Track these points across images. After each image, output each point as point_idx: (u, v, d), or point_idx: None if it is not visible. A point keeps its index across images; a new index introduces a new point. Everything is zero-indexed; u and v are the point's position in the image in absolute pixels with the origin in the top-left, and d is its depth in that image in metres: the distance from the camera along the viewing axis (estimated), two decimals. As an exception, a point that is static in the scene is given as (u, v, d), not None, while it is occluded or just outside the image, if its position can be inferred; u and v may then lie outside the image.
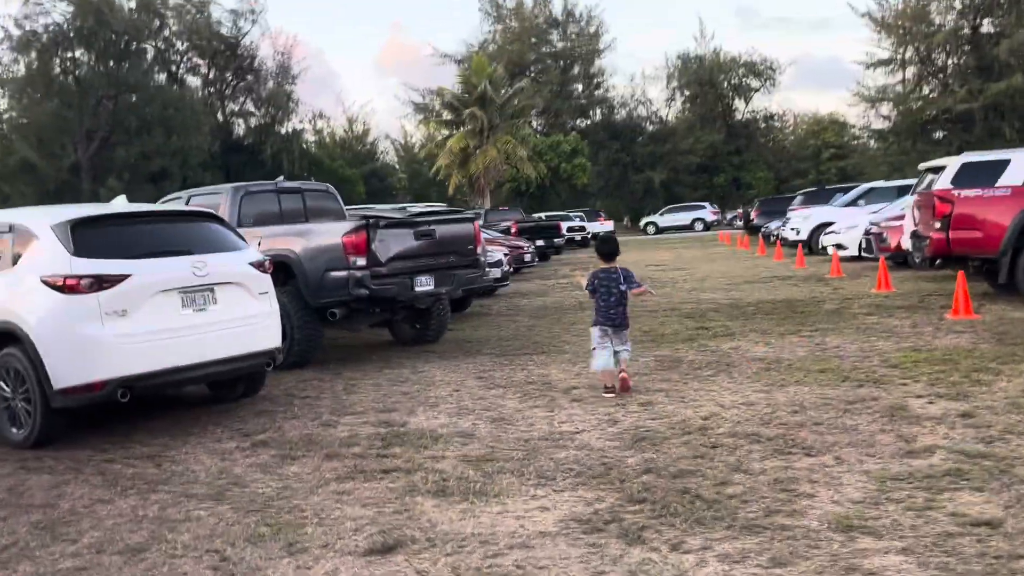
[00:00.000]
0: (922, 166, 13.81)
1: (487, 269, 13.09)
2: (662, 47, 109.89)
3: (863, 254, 16.80)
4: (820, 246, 19.61)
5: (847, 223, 18.94)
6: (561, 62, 64.30)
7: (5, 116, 48.37)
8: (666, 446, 5.00)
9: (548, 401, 6.47)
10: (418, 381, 7.65)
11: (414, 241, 8.79)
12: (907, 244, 13.84)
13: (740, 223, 35.12)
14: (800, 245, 19.31)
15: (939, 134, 52.43)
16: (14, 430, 5.98)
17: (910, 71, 54.33)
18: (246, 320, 6.51)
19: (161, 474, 5.13)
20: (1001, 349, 7.12)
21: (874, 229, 16.16)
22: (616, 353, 6.47)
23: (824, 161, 60.53)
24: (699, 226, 48.73)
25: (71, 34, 46.45)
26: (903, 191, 20.52)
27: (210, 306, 6.29)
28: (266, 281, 6.79)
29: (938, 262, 10.28)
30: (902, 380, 6.26)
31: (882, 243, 15.63)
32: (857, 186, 25.17)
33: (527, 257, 22.23)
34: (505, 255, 19.44)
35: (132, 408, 6.34)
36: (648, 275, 18.28)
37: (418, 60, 76.66)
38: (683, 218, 49.87)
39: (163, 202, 10.29)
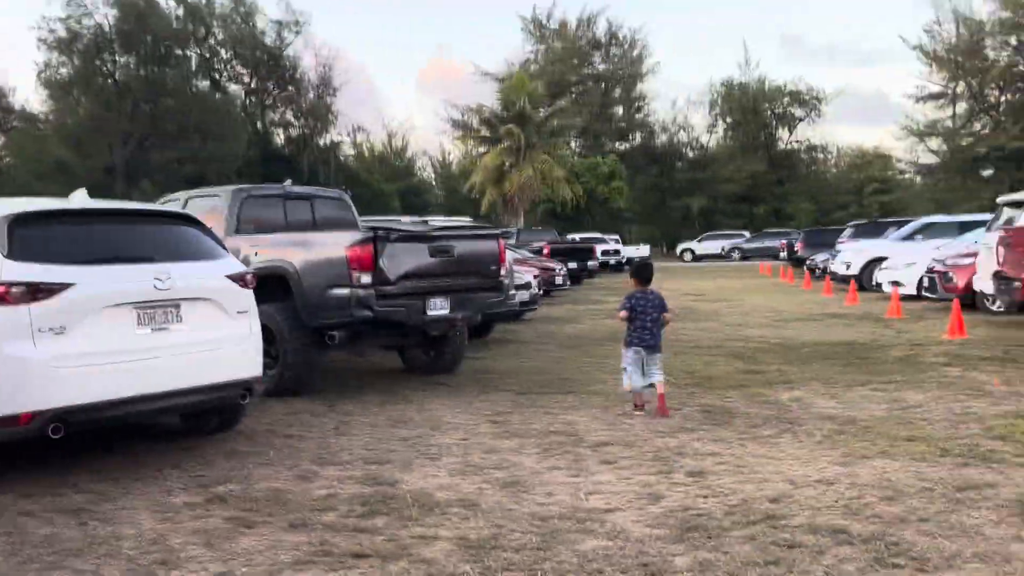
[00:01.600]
0: (1001, 199, 12.53)
1: (514, 291, 12.01)
2: (706, 74, 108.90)
3: (924, 293, 15.40)
4: (874, 282, 18.21)
5: (905, 259, 17.53)
6: (602, 84, 63.47)
7: (43, 117, 48.60)
8: (726, 540, 3.82)
9: (573, 460, 5.31)
10: (422, 423, 6.53)
11: (429, 258, 7.70)
12: (982, 286, 12.50)
13: (784, 254, 33.60)
14: (852, 281, 17.93)
15: (989, 171, 50.68)
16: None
17: (961, 106, 52.83)
18: (218, 343, 5.47)
19: (80, 539, 4.05)
20: None
21: (938, 267, 14.77)
22: (651, 377, 6.61)
23: (867, 196, 58.83)
24: (736, 255, 47.22)
25: (113, 37, 46.59)
26: (966, 227, 19.12)
27: (173, 325, 5.26)
28: (246, 298, 5.75)
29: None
30: (1017, 458, 5.01)
31: (948, 283, 14.24)
32: (911, 220, 23.75)
33: (559, 280, 21.13)
34: (535, 277, 18.36)
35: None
36: (687, 305, 17.05)
37: (460, 80, 76.36)
38: (717, 246, 48.26)
39: (161, 203, 9.34)
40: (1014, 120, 47.81)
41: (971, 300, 14.03)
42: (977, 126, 52.52)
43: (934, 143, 53.15)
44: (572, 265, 26.15)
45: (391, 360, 9.70)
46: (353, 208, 9.66)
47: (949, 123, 52.71)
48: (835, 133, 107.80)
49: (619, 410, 6.80)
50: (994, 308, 13.44)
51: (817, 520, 4.04)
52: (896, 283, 17.23)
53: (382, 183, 59.28)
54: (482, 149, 40.93)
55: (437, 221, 10.11)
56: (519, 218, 38.38)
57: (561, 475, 4.99)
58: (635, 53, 63.12)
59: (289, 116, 60.15)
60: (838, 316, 14.23)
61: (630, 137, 64.47)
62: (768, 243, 46.45)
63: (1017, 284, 8.71)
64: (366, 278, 7.17)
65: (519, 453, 5.53)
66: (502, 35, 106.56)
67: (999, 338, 10.56)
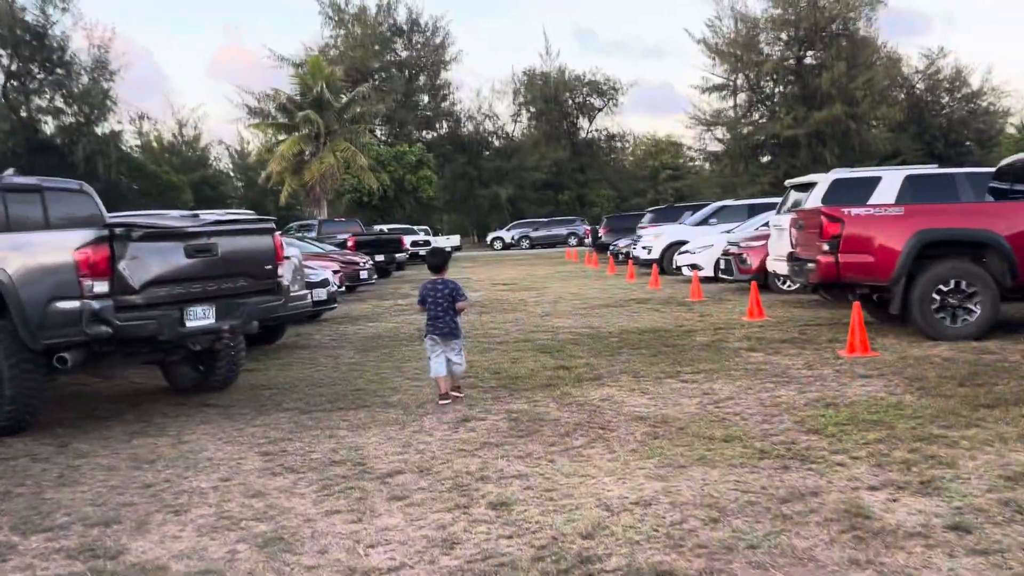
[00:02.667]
0: (789, 183, 12.91)
1: (306, 291, 10.88)
2: (508, 62, 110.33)
3: (721, 276, 15.83)
4: (675, 266, 18.62)
5: (702, 243, 18.05)
6: (406, 71, 62.32)
7: None
8: (532, 601, 3.09)
9: (357, 499, 4.42)
10: (175, 461, 5.37)
11: (186, 259, 6.48)
12: (775, 266, 12.85)
13: (588, 240, 34.30)
14: (655, 265, 18.24)
15: (767, 158, 54.78)
16: None
17: (741, 97, 56.61)
18: None
19: None
20: (933, 403, 5.76)
21: (733, 249, 15.19)
22: (449, 362, 6.69)
23: (662, 182, 61.97)
24: (573, 240, 47.52)
25: None
26: (755, 210, 20.00)
27: None
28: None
29: (824, 289, 9.08)
30: (835, 456, 4.69)
31: (743, 264, 14.66)
32: (706, 204, 24.75)
33: (363, 274, 20.02)
34: (335, 273, 17.19)
35: None
36: (495, 296, 16.56)
37: (255, 66, 72.57)
38: (559, 234, 48.24)
39: None
40: (787, 110, 51.73)
41: (764, 280, 14.52)
42: (756, 116, 56.42)
43: (719, 131, 56.59)
44: (379, 258, 25.12)
45: (154, 377, 8.31)
46: (99, 202, 8.11)
47: (732, 113, 56.28)
48: (628, 123, 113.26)
49: (415, 426, 5.98)
50: (785, 288, 13.93)
51: (638, 558, 3.42)
52: (695, 266, 17.69)
53: (172, 175, 54.98)
54: (280, 137, 38.62)
55: (213, 215, 8.80)
56: (322, 209, 36.56)
57: (340, 522, 4.08)
58: (438, 40, 62.50)
59: (59, 102, 54.11)
60: (642, 301, 14.24)
61: (437, 126, 63.82)
62: (555, 231, 47.70)
63: (811, 265, 8.77)
64: (101, 286, 5.87)
65: (291, 494, 4.56)
66: (299, 19, 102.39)
67: (792, 318, 10.79)
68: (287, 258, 10.10)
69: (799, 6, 51.03)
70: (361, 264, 20.11)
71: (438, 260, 6.94)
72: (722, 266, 15.59)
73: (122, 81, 53.64)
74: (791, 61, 52.82)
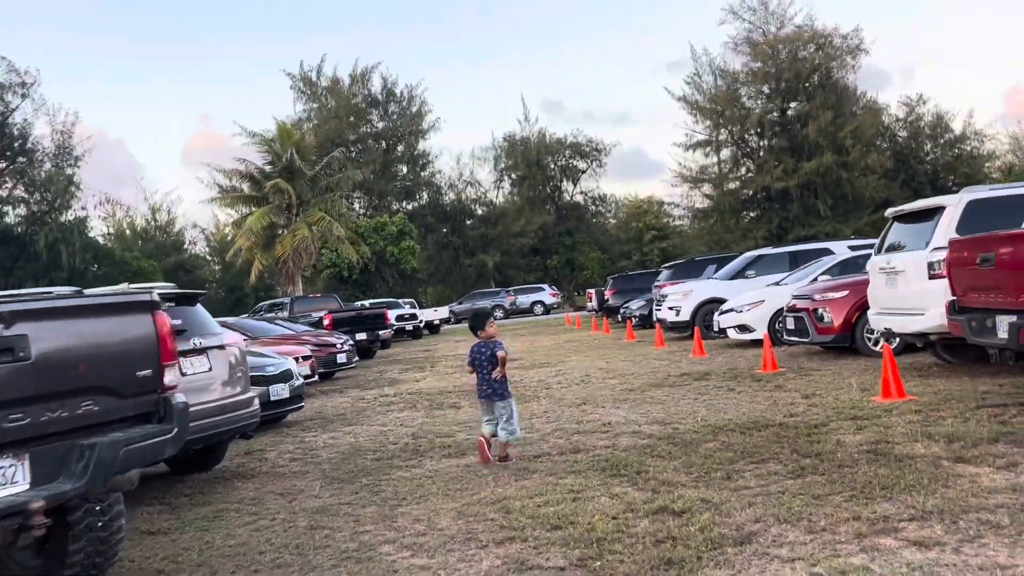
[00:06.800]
0: (890, 212, 9.90)
1: (249, 394, 7.62)
2: (487, 129, 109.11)
3: (786, 337, 12.69)
4: (716, 328, 15.49)
5: (746, 299, 14.98)
6: (383, 142, 60.06)
7: None
8: None
9: None
10: None
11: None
12: (880, 322, 9.74)
13: (592, 304, 31.27)
14: (696, 329, 15.08)
15: (756, 212, 52.62)
16: None
17: (726, 152, 54.75)
18: None
19: None
20: None
21: (802, 304, 12.09)
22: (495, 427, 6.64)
23: (647, 243, 59.73)
24: (539, 309, 44.97)
25: None
26: (799, 258, 17.14)
27: None
28: None
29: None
30: None
31: (822, 323, 11.54)
32: (730, 255, 21.82)
33: (341, 357, 16.75)
34: (306, 358, 13.94)
35: None
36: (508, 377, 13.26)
37: (228, 148, 70.26)
38: (522, 301, 46.10)
39: None
40: (776, 162, 49.75)
41: (851, 342, 11.42)
42: (743, 170, 54.54)
43: (706, 188, 54.54)
44: (360, 336, 21.84)
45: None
46: None
47: (717, 169, 54.34)
48: (604, 188, 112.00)
49: None
50: (878, 350, 10.81)
51: None
52: (743, 327, 14.61)
53: (141, 260, 51.97)
54: (248, 210, 35.60)
55: (100, 292, 5.71)
56: (296, 286, 33.31)
57: None
58: (414, 109, 60.39)
59: (21, 191, 51.17)
60: (700, 377, 11.03)
61: (417, 196, 61.34)
62: (532, 297, 45.30)
63: (1012, 320, 5.66)
64: None
65: None
66: (272, 97, 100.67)
67: (950, 394, 7.60)
68: (217, 348, 6.91)
69: (779, 58, 49.75)
70: (338, 345, 16.85)
71: (473, 322, 6.96)
72: (789, 325, 12.45)
73: (87, 167, 51.13)
74: (775, 113, 51.17)
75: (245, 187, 35.49)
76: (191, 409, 6.63)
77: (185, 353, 6.73)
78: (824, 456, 5.75)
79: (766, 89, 51.97)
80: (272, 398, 9.78)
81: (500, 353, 6.78)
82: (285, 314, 24.51)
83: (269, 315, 24.46)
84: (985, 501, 4.36)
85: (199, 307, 7.47)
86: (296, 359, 13.04)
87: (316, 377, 14.07)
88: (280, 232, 32.85)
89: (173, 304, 7.12)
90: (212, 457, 7.78)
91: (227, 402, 7.04)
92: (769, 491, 5.02)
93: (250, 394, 7.49)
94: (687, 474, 5.66)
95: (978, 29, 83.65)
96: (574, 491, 5.51)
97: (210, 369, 7.02)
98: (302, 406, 10.64)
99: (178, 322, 6.89)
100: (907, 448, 5.72)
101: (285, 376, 10.17)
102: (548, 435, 7.77)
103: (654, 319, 19.49)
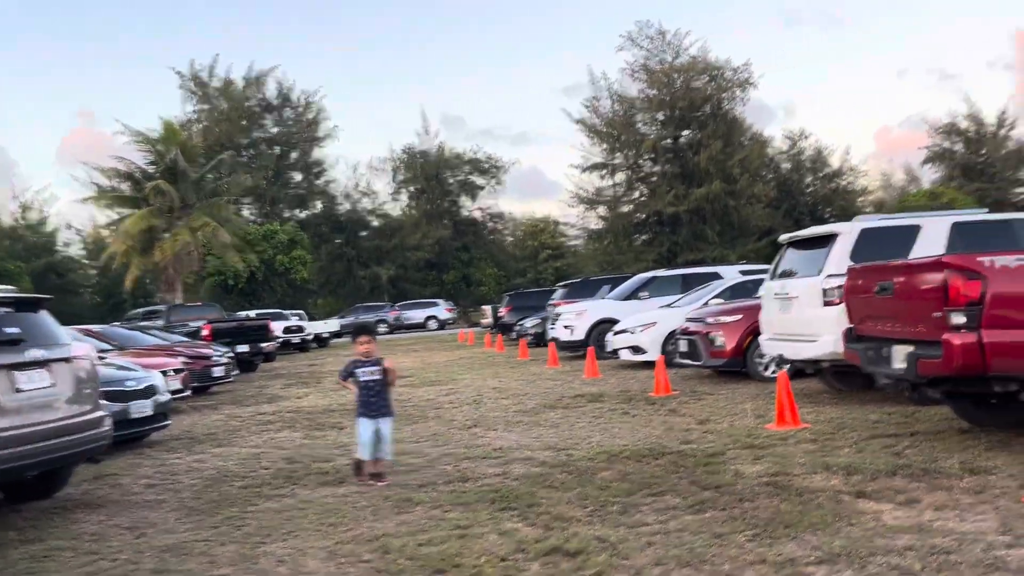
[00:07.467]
0: (784, 238, 9.94)
1: (101, 412, 6.80)
2: (385, 140, 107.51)
3: (679, 360, 12.62)
4: (609, 349, 15.36)
5: (639, 320, 14.92)
6: (277, 148, 58.15)
7: None
8: None
9: None
10: None
11: None
12: (772, 348, 9.73)
13: (487, 321, 30.95)
14: (591, 350, 14.87)
15: (648, 235, 53.82)
16: None
17: (620, 176, 55.84)
18: None
19: None
20: None
21: (695, 327, 12.06)
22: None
23: (542, 261, 60.15)
24: (433, 324, 44.35)
25: None
26: (691, 280, 17.29)
27: None
28: None
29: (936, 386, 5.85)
30: None
31: (714, 347, 11.51)
32: (625, 276, 21.90)
33: (217, 371, 15.71)
34: (177, 372, 12.93)
35: None
36: (394, 395, 12.65)
37: (110, 148, 66.17)
38: (416, 315, 45.35)
39: None
40: (668, 188, 50.96)
41: (742, 366, 11.43)
42: (636, 194, 55.67)
43: (602, 209, 55.38)
44: (242, 348, 20.69)
45: None
46: None
47: (612, 192, 55.27)
48: (504, 205, 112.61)
49: None
50: (770, 375, 10.87)
51: None
52: (636, 348, 14.54)
53: (7, 261, 48.25)
54: (125, 211, 33.51)
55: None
56: (176, 293, 31.49)
57: None
58: (310, 116, 58.83)
59: None
60: (595, 399, 10.77)
61: (311, 204, 59.64)
62: (426, 311, 44.91)
63: (916, 351, 5.58)
64: None
65: None
66: (160, 98, 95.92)
67: (845, 423, 7.55)
68: (62, 361, 6.11)
69: (674, 87, 51.13)
70: (215, 358, 15.80)
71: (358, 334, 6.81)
72: (682, 348, 12.40)
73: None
74: (668, 140, 52.54)
75: (125, 188, 33.41)
76: (26, 430, 5.82)
77: (21, 366, 5.89)
78: (723, 488, 5.49)
79: (661, 116, 53.19)
80: (133, 415, 8.90)
81: (387, 363, 6.66)
82: (161, 323, 23.02)
83: (144, 323, 22.91)
84: (892, 542, 4.15)
85: (44, 314, 6.60)
86: (166, 372, 12.05)
87: (189, 392, 13.06)
88: (161, 236, 31.03)
89: (11, 310, 6.26)
90: (54, 482, 6.88)
91: (71, 422, 6.21)
92: (668, 528, 4.70)
93: (100, 413, 6.65)
94: (582, 508, 5.28)
95: (852, 72, 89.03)
96: (460, 527, 5.03)
97: (52, 384, 6.17)
98: (168, 424, 9.74)
99: (15, 330, 6.06)
100: (806, 481, 5.53)
101: (148, 392, 9.28)
102: (435, 460, 7.28)
103: (548, 337, 19.28)
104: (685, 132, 52.88)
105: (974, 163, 53.89)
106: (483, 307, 33.97)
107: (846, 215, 53.90)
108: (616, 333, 15.23)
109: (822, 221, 53.55)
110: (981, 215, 9.00)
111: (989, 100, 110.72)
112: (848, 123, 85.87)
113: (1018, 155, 53.23)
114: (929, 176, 56.63)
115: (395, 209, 62.32)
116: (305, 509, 5.83)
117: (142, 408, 9.05)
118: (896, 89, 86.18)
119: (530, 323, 23.22)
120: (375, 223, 61.31)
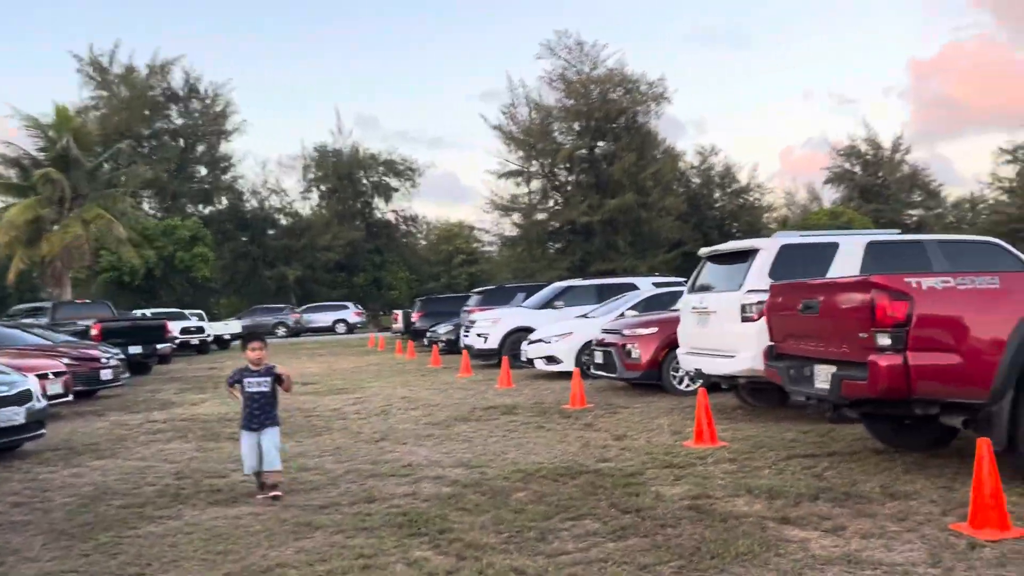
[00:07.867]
0: (704, 252, 9.86)
1: (2, 411, 6.05)
2: (296, 137, 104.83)
3: (594, 371, 12.44)
4: (524, 358, 15.09)
5: (555, 330, 14.71)
6: (181, 140, 55.78)
7: None
8: None
9: None
10: None
11: None
12: (690, 362, 9.62)
13: (398, 326, 30.28)
14: (505, 359, 14.54)
15: (562, 243, 54.19)
16: None
17: (536, 184, 56.08)
18: None
19: None
20: None
21: (611, 339, 11.91)
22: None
23: (455, 267, 59.79)
24: (342, 328, 43.26)
25: None
26: (607, 291, 17.22)
27: None
28: None
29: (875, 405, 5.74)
30: None
31: (630, 359, 11.38)
32: (541, 284, 21.75)
33: (106, 373, 14.66)
34: (58, 374, 11.93)
35: None
36: (296, 403, 12.04)
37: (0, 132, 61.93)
38: (324, 319, 44.14)
39: None
40: (582, 198, 51.44)
41: (657, 378, 11.33)
42: (551, 202, 55.97)
43: (516, 217, 55.44)
44: (135, 349, 19.49)
45: None
46: None
47: (527, 199, 55.42)
48: (418, 209, 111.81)
49: None
50: (686, 389, 10.81)
51: None
52: (551, 358, 14.33)
53: None
54: (8, 199, 31.32)
55: None
56: (65, 289, 29.60)
57: None
58: (218, 109, 56.67)
59: None
60: (508, 411, 10.44)
61: (216, 200, 57.42)
62: (334, 315, 43.92)
63: (842, 372, 5.47)
64: None
65: None
66: (57, 83, 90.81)
67: (762, 442, 7.45)
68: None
69: (591, 98, 51.67)
70: (103, 360, 14.75)
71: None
72: (597, 359, 12.23)
73: None
74: (584, 150, 53.04)
75: (12, 175, 31.24)
76: None
77: None
78: (644, 512, 5.24)
79: (577, 126, 53.62)
80: (1, 424, 8.06)
81: (280, 370, 6.26)
82: (46, 320, 21.49)
83: (26, 321, 21.34)
84: (822, 574, 3.95)
85: None
86: (46, 375, 11.12)
87: (71, 396, 12.07)
88: (49, 228, 29.13)
89: None
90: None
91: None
92: (590, 557, 4.40)
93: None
94: (497, 534, 4.93)
95: (761, 91, 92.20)
96: (364, 555, 4.60)
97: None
98: (43, 434, 8.90)
99: None
100: (729, 505, 5.34)
101: (21, 398, 8.44)
102: (339, 478, 6.79)
103: (461, 345, 18.89)
104: (600, 143, 53.48)
105: (871, 185, 56.43)
106: (395, 312, 33.23)
107: (753, 230, 55.75)
108: (531, 342, 14.98)
109: (730, 235, 55.05)
110: (895, 235, 9.14)
111: (885, 125, 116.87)
112: (755, 141, 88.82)
113: (911, 179, 56.18)
114: (830, 196, 58.97)
115: (305, 208, 60.79)
116: (191, 533, 5.28)
117: (13, 416, 8.22)
118: (800, 110, 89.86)
119: (443, 329, 22.78)
120: (283, 222, 59.58)
